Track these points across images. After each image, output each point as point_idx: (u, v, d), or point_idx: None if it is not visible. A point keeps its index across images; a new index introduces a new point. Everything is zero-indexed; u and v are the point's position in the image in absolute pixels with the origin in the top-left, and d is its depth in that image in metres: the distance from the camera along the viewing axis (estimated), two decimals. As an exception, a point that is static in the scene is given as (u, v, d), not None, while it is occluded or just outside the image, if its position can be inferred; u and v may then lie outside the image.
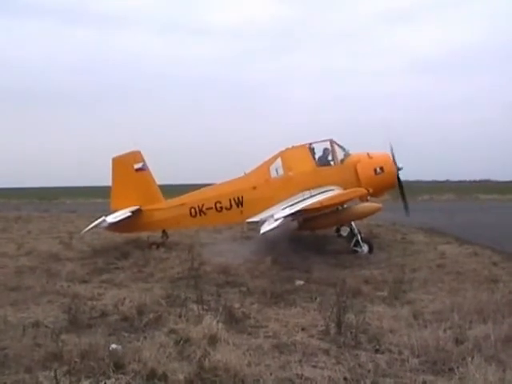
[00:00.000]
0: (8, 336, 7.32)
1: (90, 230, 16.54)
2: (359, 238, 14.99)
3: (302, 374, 5.87)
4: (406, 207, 16.94)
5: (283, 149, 16.53)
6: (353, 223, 15.23)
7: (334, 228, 17.51)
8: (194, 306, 8.79)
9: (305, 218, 15.14)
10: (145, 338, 7.17)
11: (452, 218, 25.92)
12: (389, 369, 6.09)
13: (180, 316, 8.29)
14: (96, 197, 48.59)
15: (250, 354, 6.42)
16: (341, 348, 6.84)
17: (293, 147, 16.52)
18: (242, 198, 16.09)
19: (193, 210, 16.44)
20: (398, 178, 16.27)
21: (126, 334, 7.54)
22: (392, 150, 16.08)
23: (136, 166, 17.54)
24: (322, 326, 7.69)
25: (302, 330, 7.68)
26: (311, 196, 14.72)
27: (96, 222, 16.23)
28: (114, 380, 5.78)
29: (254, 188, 16.15)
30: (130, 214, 16.53)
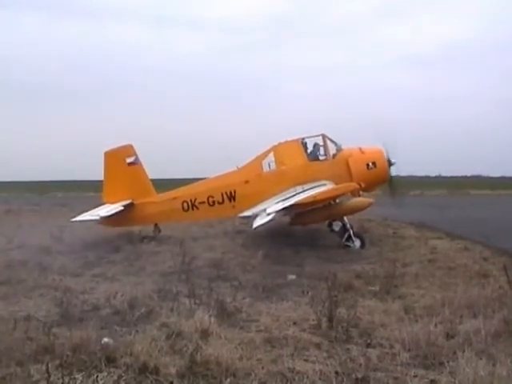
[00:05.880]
0: (-1, 330, 7.30)
1: (82, 221, 16.50)
2: (351, 232, 15.00)
3: (294, 368, 5.89)
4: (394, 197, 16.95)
5: (276, 143, 16.55)
6: (345, 218, 15.26)
7: (327, 223, 17.54)
8: (186, 300, 8.78)
9: (297, 213, 15.18)
10: (137, 331, 7.19)
11: (443, 213, 26.00)
12: (380, 363, 6.12)
13: (172, 310, 8.30)
14: (88, 190, 48.31)
15: (242, 348, 6.45)
16: (332, 342, 6.87)
17: (285, 142, 16.53)
18: (235, 192, 16.10)
19: (185, 204, 16.43)
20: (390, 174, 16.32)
21: (118, 328, 7.54)
22: (386, 145, 16.10)
23: (128, 160, 17.51)
24: (313, 320, 7.71)
25: (294, 324, 7.70)
26: (303, 190, 14.74)
27: (89, 216, 16.20)
28: (105, 373, 5.77)
29: (247, 182, 16.16)
30: (122, 207, 16.50)
